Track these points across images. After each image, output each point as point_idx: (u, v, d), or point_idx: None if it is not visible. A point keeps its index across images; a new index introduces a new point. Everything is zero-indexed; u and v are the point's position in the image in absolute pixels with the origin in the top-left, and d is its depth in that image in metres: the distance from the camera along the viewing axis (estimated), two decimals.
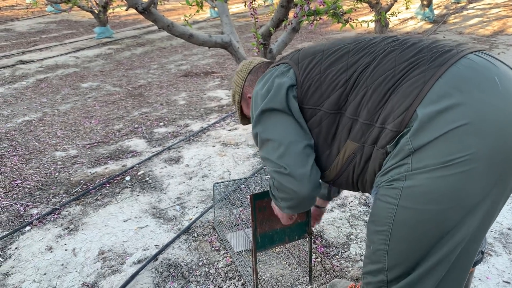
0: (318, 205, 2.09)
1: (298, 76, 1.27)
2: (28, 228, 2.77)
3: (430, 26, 10.88)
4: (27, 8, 14.41)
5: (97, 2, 9.19)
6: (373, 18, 4.59)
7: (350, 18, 3.53)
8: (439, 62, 1.03)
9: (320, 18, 3.43)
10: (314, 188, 1.24)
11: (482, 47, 1.15)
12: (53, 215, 2.91)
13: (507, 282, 2.15)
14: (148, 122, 4.67)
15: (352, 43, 1.24)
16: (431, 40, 1.16)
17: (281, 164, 1.22)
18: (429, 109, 0.98)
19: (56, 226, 2.79)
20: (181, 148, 3.94)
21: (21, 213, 2.97)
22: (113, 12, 9.78)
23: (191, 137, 4.19)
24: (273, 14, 3.40)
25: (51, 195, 3.21)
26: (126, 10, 3.15)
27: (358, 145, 1.16)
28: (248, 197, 2.96)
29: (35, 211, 2.99)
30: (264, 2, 8.01)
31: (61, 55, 8.18)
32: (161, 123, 4.63)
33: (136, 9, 3.06)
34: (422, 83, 1.01)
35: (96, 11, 9.23)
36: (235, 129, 4.35)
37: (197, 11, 3.72)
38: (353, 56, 1.19)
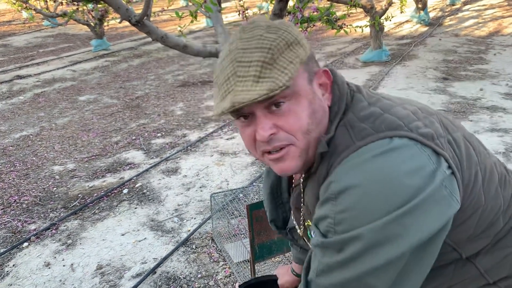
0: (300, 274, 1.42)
1: (461, 195, 0.81)
2: (25, 244, 2.76)
3: (426, 29, 10.91)
4: (24, 23, 14.49)
5: (93, 15, 9.23)
6: (367, 23, 4.60)
7: (344, 24, 3.54)
8: None
9: (314, 25, 3.44)
10: None
11: None
12: (51, 231, 2.90)
13: None
14: (146, 134, 4.66)
15: (493, 162, 0.92)
16: None
17: None
18: None
19: (54, 241, 2.77)
20: (178, 158, 3.93)
21: (19, 229, 2.95)
22: (107, 25, 9.82)
23: (188, 147, 4.18)
24: None
25: (49, 210, 3.19)
26: (120, 22, 3.15)
27: None
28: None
29: (33, 226, 2.98)
30: (260, 10, 8.04)
31: (58, 68, 8.20)
32: (159, 134, 4.63)
33: (129, 21, 3.06)
34: None
35: (92, 24, 9.27)
36: (233, 138, 4.34)
37: (191, 21, 3.72)
38: (505, 193, 0.90)
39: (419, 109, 0.89)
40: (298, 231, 1.08)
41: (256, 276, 2.15)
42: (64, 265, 2.52)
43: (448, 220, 0.76)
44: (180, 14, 2.57)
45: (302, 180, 0.95)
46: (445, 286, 0.91)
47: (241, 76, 0.78)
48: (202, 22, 13.47)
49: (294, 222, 1.10)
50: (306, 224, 1.01)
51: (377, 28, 5.63)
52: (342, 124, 0.85)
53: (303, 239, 1.09)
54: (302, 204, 0.99)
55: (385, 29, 10.13)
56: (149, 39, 10.94)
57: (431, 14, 12.75)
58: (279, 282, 1.46)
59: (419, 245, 0.74)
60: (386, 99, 0.91)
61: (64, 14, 9.29)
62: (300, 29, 3.35)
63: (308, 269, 0.87)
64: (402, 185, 0.73)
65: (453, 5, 14.29)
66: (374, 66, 7.26)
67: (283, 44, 0.80)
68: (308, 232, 1.02)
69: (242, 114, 0.83)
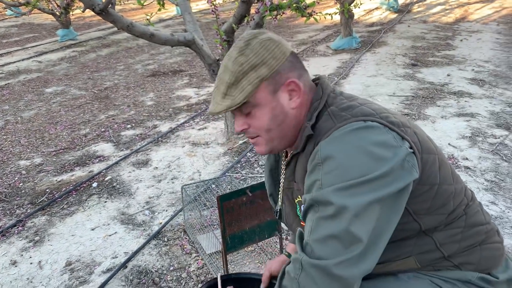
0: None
1: (420, 170, 1.03)
2: None
3: (395, 15, 11.03)
4: None
5: (58, 4, 8.93)
6: (337, 10, 4.60)
7: (314, 11, 3.52)
8: (502, 239, 1.22)
9: (283, 13, 3.41)
10: None
11: None
12: (17, 228, 2.81)
13: None
14: (115, 125, 4.57)
15: (446, 159, 1.16)
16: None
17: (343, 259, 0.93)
18: (505, 274, 1.17)
19: (20, 238, 2.70)
20: (149, 150, 3.87)
21: None
22: (72, 14, 9.52)
23: (159, 138, 4.12)
24: (235, 10, 3.36)
25: (15, 207, 3.10)
26: (83, 11, 3.05)
27: (418, 267, 1.12)
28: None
29: None
30: None
31: (23, 60, 7.93)
32: (129, 126, 4.54)
33: (93, 10, 2.97)
34: (501, 254, 1.19)
35: (57, 13, 8.97)
36: (205, 128, 4.30)
37: (159, 9, 3.64)
38: (455, 184, 1.12)
39: (426, 145, 1.10)
40: (279, 207, 1.29)
41: (229, 267, 2.14)
42: (31, 263, 2.45)
43: (409, 183, 0.98)
44: (142, 2, 2.50)
45: (284, 162, 1.20)
46: (407, 255, 1.11)
47: (217, 90, 1.08)
48: (173, 10, 13.25)
49: (279, 201, 1.29)
50: (296, 200, 1.17)
51: (346, 15, 5.64)
52: (326, 113, 1.07)
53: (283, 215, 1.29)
54: (294, 182, 1.16)
55: (355, 17, 10.20)
56: None
57: (400, 1, 12.89)
58: (266, 266, 1.44)
59: (386, 200, 0.94)
60: (364, 99, 1.14)
61: (27, 3, 8.95)
62: (270, 16, 3.32)
63: (301, 237, 1.02)
64: (373, 153, 0.95)
65: None
66: (344, 53, 7.30)
67: (248, 67, 1.05)
68: (297, 208, 1.17)
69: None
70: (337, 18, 7.34)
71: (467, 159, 3.36)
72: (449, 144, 3.64)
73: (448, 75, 5.75)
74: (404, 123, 1.06)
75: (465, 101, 4.72)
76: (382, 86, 5.37)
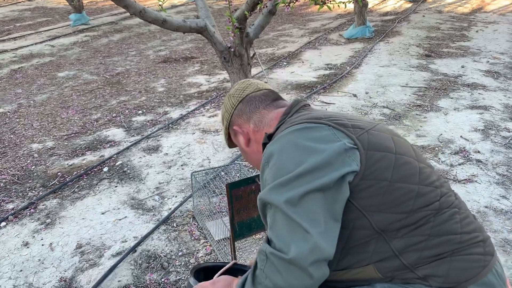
0: None
1: (363, 165, 1.07)
2: (3, 224, 2.72)
3: (409, 5, 10.87)
4: None
5: None
6: None
7: None
8: (489, 251, 1.13)
9: (297, 0, 3.38)
10: None
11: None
12: (30, 210, 2.86)
13: None
14: (127, 111, 4.59)
15: (418, 162, 1.14)
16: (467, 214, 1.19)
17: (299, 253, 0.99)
18: None
19: (32, 220, 2.74)
20: (160, 136, 3.89)
21: None
22: None
23: (170, 125, 4.13)
24: None
25: (27, 189, 3.14)
26: None
27: (379, 276, 1.10)
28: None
29: (10, 206, 2.93)
30: None
31: (36, 43, 7.97)
32: (140, 111, 4.56)
33: None
34: (482, 267, 1.10)
35: None
36: (215, 115, 4.30)
37: None
38: (422, 185, 1.10)
39: (357, 118, 1.19)
40: None
41: (237, 254, 2.16)
42: (43, 245, 2.50)
43: (345, 174, 1.03)
44: None
45: None
46: (366, 263, 1.10)
47: None
48: None
49: None
50: None
51: (360, 3, 5.57)
52: (284, 123, 1.21)
53: None
54: None
55: (369, 5, 10.06)
56: None
57: None
58: None
59: (325, 190, 1.01)
60: (330, 111, 1.29)
61: None
62: (283, 4, 3.29)
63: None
64: (306, 147, 1.06)
65: None
66: (357, 42, 7.23)
67: (221, 121, 1.43)
68: None
69: None
70: (350, 6, 7.25)
71: (479, 152, 3.33)
72: (461, 136, 3.61)
73: (462, 66, 5.67)
74: (357, 126, 1.13)
75: (479, 93, 4.66)
76: (395, 77, 5.31)
